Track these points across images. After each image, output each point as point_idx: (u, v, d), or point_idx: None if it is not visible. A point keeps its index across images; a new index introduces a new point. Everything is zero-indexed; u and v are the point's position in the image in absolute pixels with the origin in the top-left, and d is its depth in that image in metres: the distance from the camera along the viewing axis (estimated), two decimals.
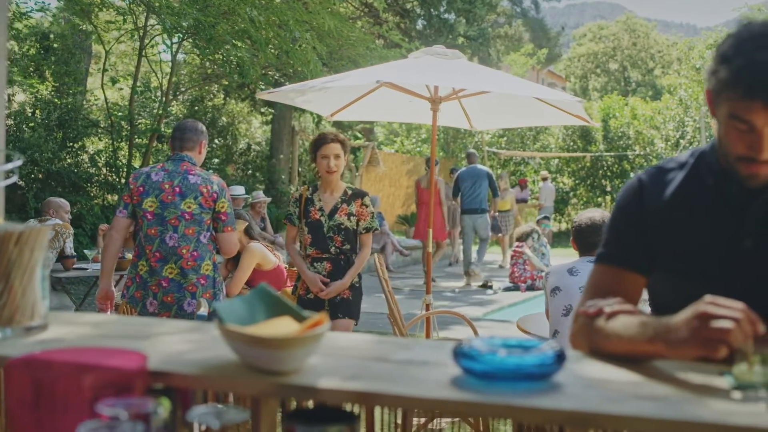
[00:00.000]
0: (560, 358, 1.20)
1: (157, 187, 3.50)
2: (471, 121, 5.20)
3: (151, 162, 11.47)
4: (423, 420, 3.68)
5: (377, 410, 2.17)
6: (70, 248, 5.43)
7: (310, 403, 1.28)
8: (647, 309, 1.60)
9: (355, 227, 3.82)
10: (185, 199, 3.49)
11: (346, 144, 3.82)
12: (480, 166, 10.29)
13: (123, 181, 10.74)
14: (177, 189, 3.50)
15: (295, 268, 4.13)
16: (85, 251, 6.21)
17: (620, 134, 19.53)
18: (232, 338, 1.22)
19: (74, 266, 5.68)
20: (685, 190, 1.50)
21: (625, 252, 1.52)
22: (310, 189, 3.88)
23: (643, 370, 1.28)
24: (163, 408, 1.25)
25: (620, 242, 1.54)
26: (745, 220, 1.43)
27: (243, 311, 1.35)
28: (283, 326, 1.27)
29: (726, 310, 1.19)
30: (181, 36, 10.08)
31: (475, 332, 4.23)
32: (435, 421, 3.77)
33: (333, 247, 3.78)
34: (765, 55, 1.27)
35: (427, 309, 4.50)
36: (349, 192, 3.86)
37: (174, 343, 1.45)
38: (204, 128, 3.78)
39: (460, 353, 1.20)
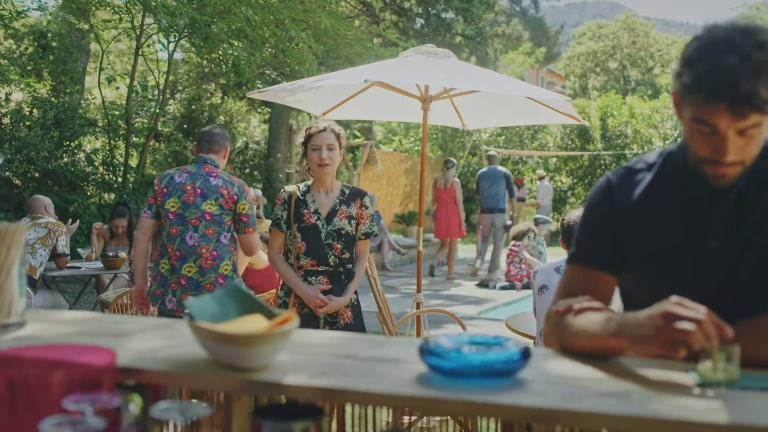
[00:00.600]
0: (525, 355, 1.22)
1: (179, 189, 3.62)
2: (463, 120, 5.21)
3: (148, 160, 11.50)
4: (413, 418, 3.69)
5: (369, 408, 2.18)
6: (62, 246, 5.43)
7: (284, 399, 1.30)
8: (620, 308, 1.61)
9: (354, 232, 3.30)
10: (206, 200, 3.61)
11: (341, 136, 3.31)
12: (499, 168, 10.86)
13: (120, 180, 10.75)
14: (198, 190, 3.62)
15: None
16: (79, 250, 6.22)
17: (618, 133, 19.56)
18: (201, 335, 1.24)
19: (68, 265, 5.69)
20: (653, 190, 1.51)
21: (596, 252, 1.54)
22: (301, 188, 3.31)
23: (609, 367, 1.29)
24: (134, 404, 1.27)
25: (591, 242, 1.56)
26: (712, 220, 1.44)
27: (215, 309, 1.36)
28: (252, 323, 1.29)
29: (690, 312, 1.21)
30: (177, 35, 10.10)
31: (465, 330, 4.24)
32: (424, 419, 3.79)
33: (332, 257, 3.23)
34: (727, 59, 1.28)
35: (418, 308, 4.51)
36: (347, 191, 3.34)
37: (148, 340, 1.46)
38: (228, 136, 3.95)
39: (425, 350, 1.21)
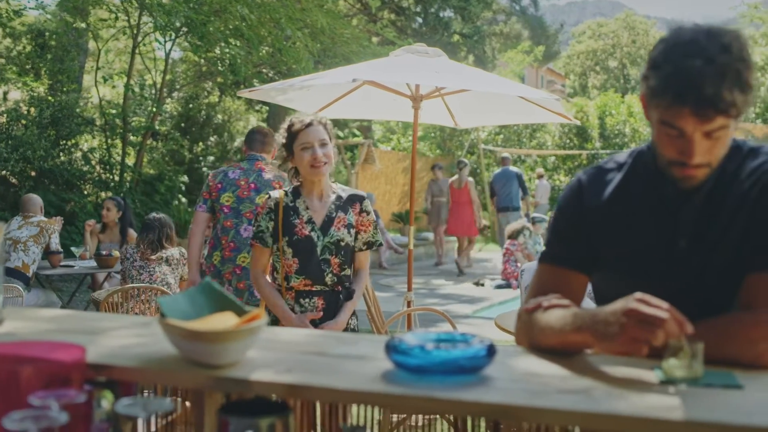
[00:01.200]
0: (491, 351, 1.23)
1: (233, 184, 3.82)
2: (455, 118, 5.22)
3: (145, 159, 11.50)
4: (402, 416, 3.71)
5: (364, 407, 2.20)
6: (55, 244, 5.44)
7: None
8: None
9: (353, 242, 2.76)
10: (260, 193, 3.78)
11: (329, 127, 2.75)
12: (511, 168, 11.36)
13: (117, 178, 10.77)
14: (252, 185, 3.82)
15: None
16: (72, 248, 6.22)
17: (616, 132, 19.56)
18: (170, 332, 1.25)
19: (62, 263, 5.70)
20: (623, 190, 1.52)
21: (567, 252, 1.55)
22: (289, 194, 2.75)
23: (574, 364, 1.31)
24: (105, 400, 1.28)
25: (562, 242, 1.57)
26: (680, 221, 1.45)
27: (187, 307, 1.37)
28: (223, 321, 1.30)
29: (653, 310, 1.22)
30: (174, 34, 10.12)
31: (455, 329, 4.25)
32: (413, 417, 3.80)
33: (329, 275, 2.69)
34: (693, 62, 1.28)
35: (409, 306, 4.53)
36: (343, 195, 2.79)
37: (124, 338, 1.48)
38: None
39: (391, 348, 1.23)
